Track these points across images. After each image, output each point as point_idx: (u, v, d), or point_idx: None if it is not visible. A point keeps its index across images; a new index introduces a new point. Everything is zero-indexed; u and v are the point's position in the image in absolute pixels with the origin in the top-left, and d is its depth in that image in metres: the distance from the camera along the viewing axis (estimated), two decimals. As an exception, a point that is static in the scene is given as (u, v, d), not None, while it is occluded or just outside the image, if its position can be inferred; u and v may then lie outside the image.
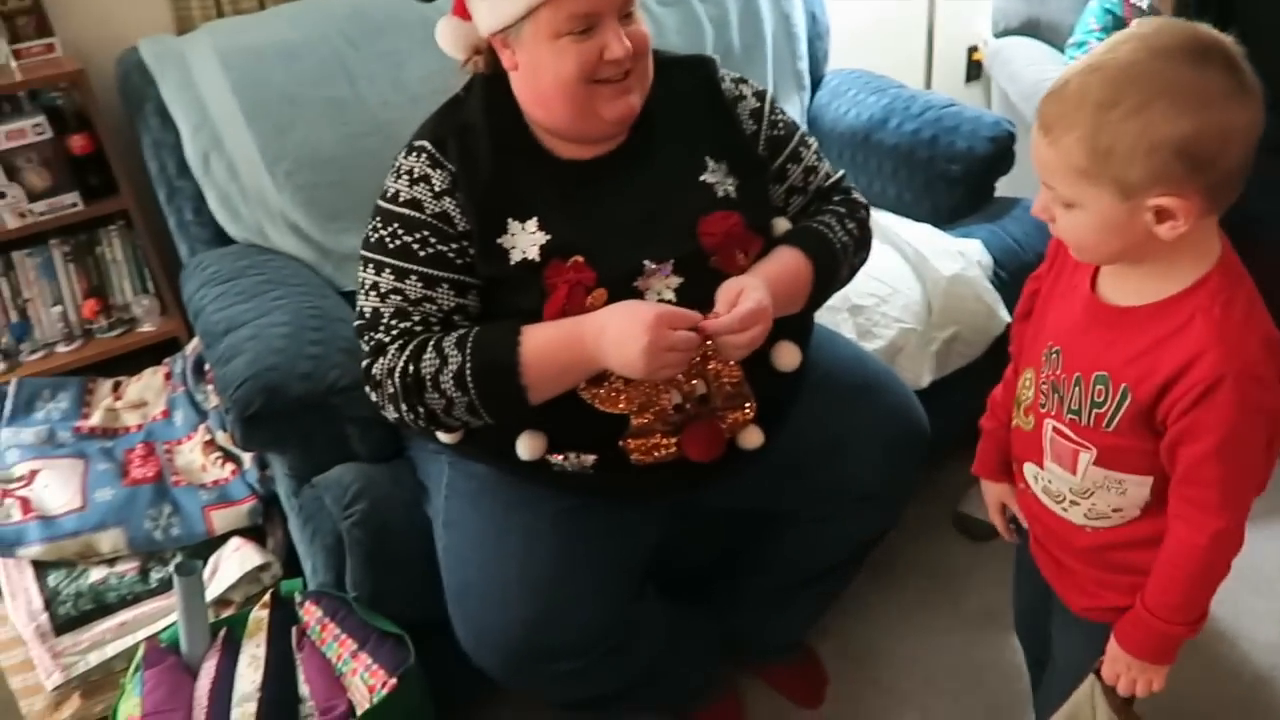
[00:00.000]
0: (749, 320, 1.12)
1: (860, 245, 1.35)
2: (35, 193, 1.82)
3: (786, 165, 1.34)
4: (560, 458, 1.23)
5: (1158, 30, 0.87)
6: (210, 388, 1.88)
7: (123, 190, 1.91)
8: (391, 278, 1.19)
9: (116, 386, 1.96)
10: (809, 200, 1.38)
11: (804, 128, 1.40)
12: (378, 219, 1.22)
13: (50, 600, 1.58)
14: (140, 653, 1.37)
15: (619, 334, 1.09)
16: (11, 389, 1.87)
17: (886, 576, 1.87)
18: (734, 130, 1.29)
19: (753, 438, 1.27)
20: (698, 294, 1.18)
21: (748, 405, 1.26)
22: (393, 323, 1.19)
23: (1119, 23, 2.23)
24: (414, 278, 1.18)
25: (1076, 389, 1.00)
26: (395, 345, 1.18)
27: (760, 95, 1.33)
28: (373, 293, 1.20)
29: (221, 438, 1.82)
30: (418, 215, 1.19)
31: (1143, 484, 1.00)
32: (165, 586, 1.60)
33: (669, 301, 1.18)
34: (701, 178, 1.23)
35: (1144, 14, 2.20)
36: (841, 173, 1.42)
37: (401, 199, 1.20)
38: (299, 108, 1.83)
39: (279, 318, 1.57)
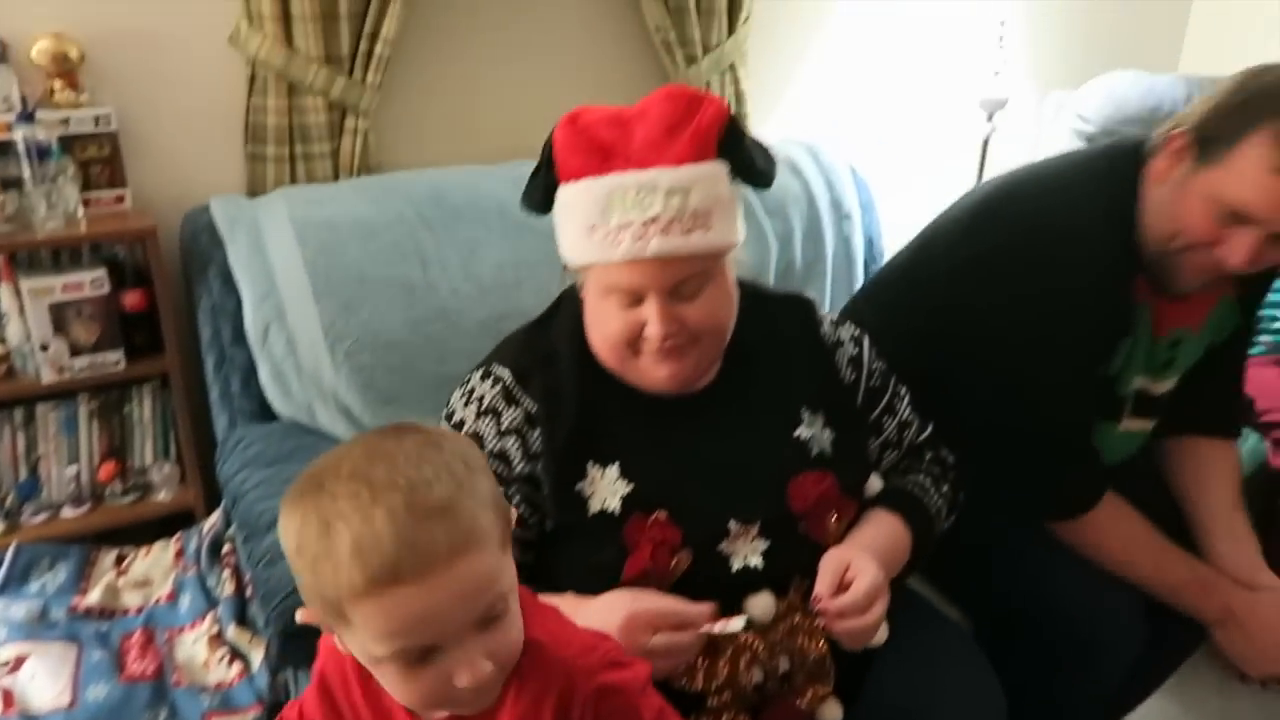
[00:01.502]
0: (871, 598, 1.03)
1: (952, 509, 1.28)
2: (79, 347, 1.71)
3: (883, 419, 1.26)
4: None
5: None
6: (226, 573, 1.72)
7: (168, 351, 1.80)
8: None
9: (120, 560, 1.78)
10: (902, 456, 1.29)
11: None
12: None
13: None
14: None
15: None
16: (9, 556, 1.70)
17: None
18: (833, 380, 1.21)
19: (832, 712, 1.15)
20: (786, 560, 1.09)
21: (829, 679, 1.14)
22: None
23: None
24: None
25: None
26: None
27: (859, 340, 1.25)
28: None
29: (231, 632, 1.65)
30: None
31: None
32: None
33: (754, 569, 1.08)
34: (796, 432, 1.15)
35: None
36: (932, 427, 1.33)
37: (465, 430, 1.12)
38: (368, 287, 1.76)
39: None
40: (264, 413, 1.76)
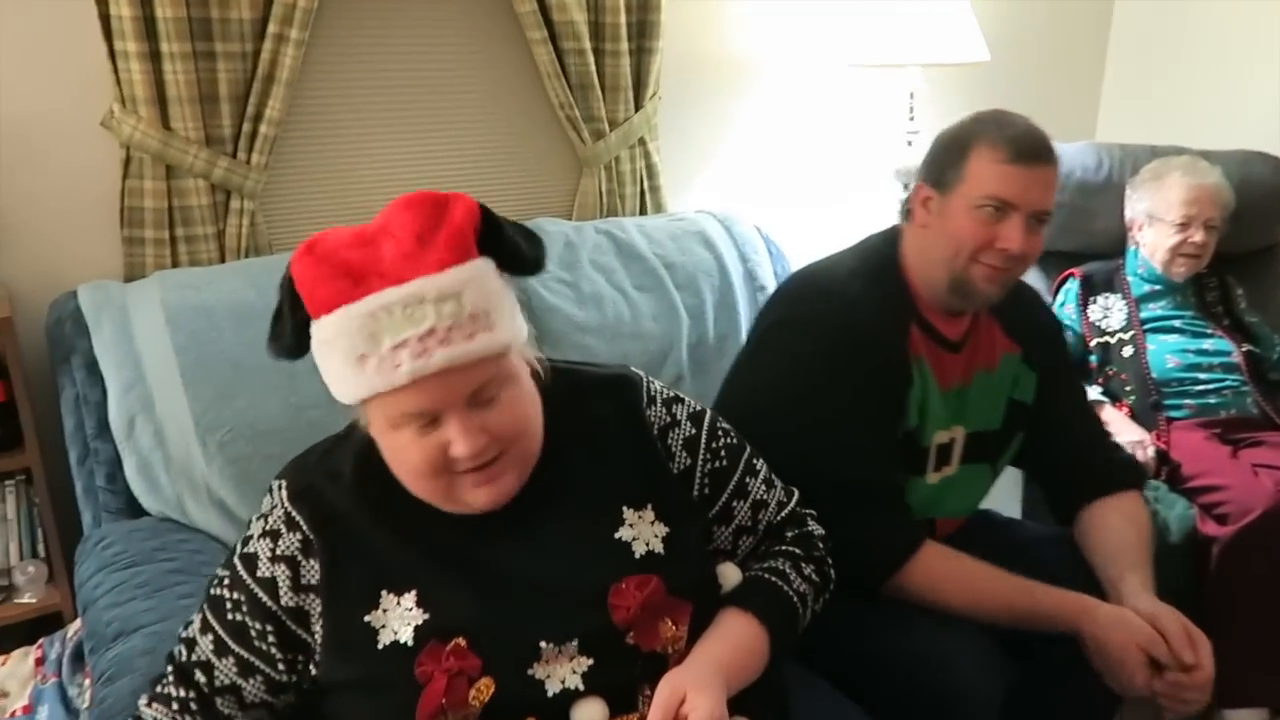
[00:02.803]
0: None
1: (820, 590, 1.19)
2: (-74, 443, 1.61)
3: (732, 503, 1.16)
4: None
5: None
6: (88, 682, 1.61)
7: (28, 446, 1.70)
8: (197, 628, 1.04)
9: (-26, 670, 1.67)
10: (760, 540, 1.20)
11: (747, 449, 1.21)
12: (229, 555, 1.06)
13: None
14: None
15: None
16: None
17: None
18: (661, 467, 1.10)
19: None
20: (615, 676, 0.99)
21: None
22: (166, 680, 1.04)
23: (1079, 339, 2.25)
24: (210, 638, 1.03)
25: None
26: (158, 710, 1.02)
27: (698, 419, 1.15)
28: (185, 629, 1.06)
29: (91, 749, 1.53)
30: (245, 577, 1.02)
31: None
32: None
33: (574, 691, 0.98)
34: (617, 534, 1.04)
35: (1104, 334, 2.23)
36: (795, 499, 1.24)
37: (245, 549, 1.03)
38: (244, 374, 1.68)
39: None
40: (132, 508, 1.66)
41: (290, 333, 0.97)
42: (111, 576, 1.48)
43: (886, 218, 2.73)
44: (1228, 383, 2.16)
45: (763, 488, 1.19)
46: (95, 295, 1.73)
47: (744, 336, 2.31)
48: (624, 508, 1.06)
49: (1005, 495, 1.67)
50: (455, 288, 0.92)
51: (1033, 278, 1.85)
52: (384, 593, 1.00)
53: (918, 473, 1.47)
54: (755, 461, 1.19)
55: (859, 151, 2.80)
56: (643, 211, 2.46)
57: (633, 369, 1.17)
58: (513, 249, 0.99)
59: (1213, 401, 2.14)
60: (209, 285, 1.77)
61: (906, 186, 2.67)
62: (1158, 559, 1.44)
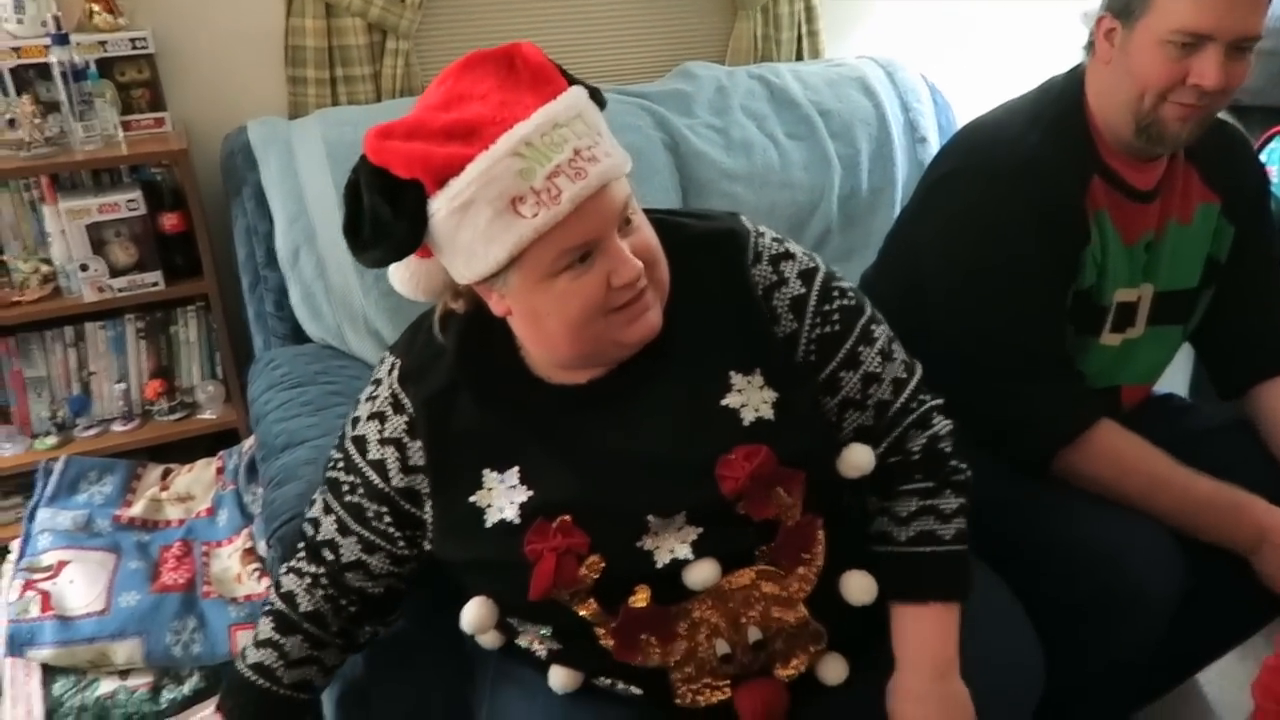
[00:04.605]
0: None
1: (968, 502, 1.09)
2: (118, 268, 1.75)
3: (840, 373, 1.04)
4: (606, 681, 1.05)
5: None
6: (260, 490, 1.76)
7: (206, 274, 1.83)
8: (320, 509, 1.08)
9: (165, 475, 1.85)
10: (877, 422, 1.07)
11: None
12: (339, 433, 1.08)
13: (52, 711, 1.44)
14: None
15: None
16: (59, 467, 1.78)
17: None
18: (767, 330, 1.01)
19: (835, 669, 1.05)
20: (725, 545, 0.97)
21: (819, 639, 1.04)
22: (300, 555, 1.10)
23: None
24: (332, 519, 1.06)
25: None
26: (293, 581, 1.10)
27: (808, 276, 1.03)
28: (310, 508, 1.10)
29: (263, 548, 1.69)
30: (357, 459, 1.03)
31: None
32: (174, 709, 1.46)
33: (684, 560, 0.96)
34: (724, 401, 0.98)
35: None
36: (916, 377, 1.09)
37: (355, 430, 1.04)
38: (399, 211, 1.73)
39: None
40: (298, 335, 1.77)
41: (406, 218, 0.87)
42: (280, 395, 1.59)
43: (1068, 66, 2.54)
44: None
45: (878, 359, 1.06)
46: (263, 131, 1.80)
47: (900, 190, 2.21)
48: (731, 372, 0.99)
49: (1171, 369, 1.55)
50: (575, 108, 0.88)
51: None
52: (487, 471, 0.99)
53: (1093, 333, 1.37)
54: (874, 328, 1.06)
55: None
56: (799, 58, 2.35)
57: (743, 219, 1.06)
58: (579, 82, 0.93)
59: None
60: (368, 122, 1.78)
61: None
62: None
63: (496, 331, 0.99)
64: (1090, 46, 1.33)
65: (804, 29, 2.33)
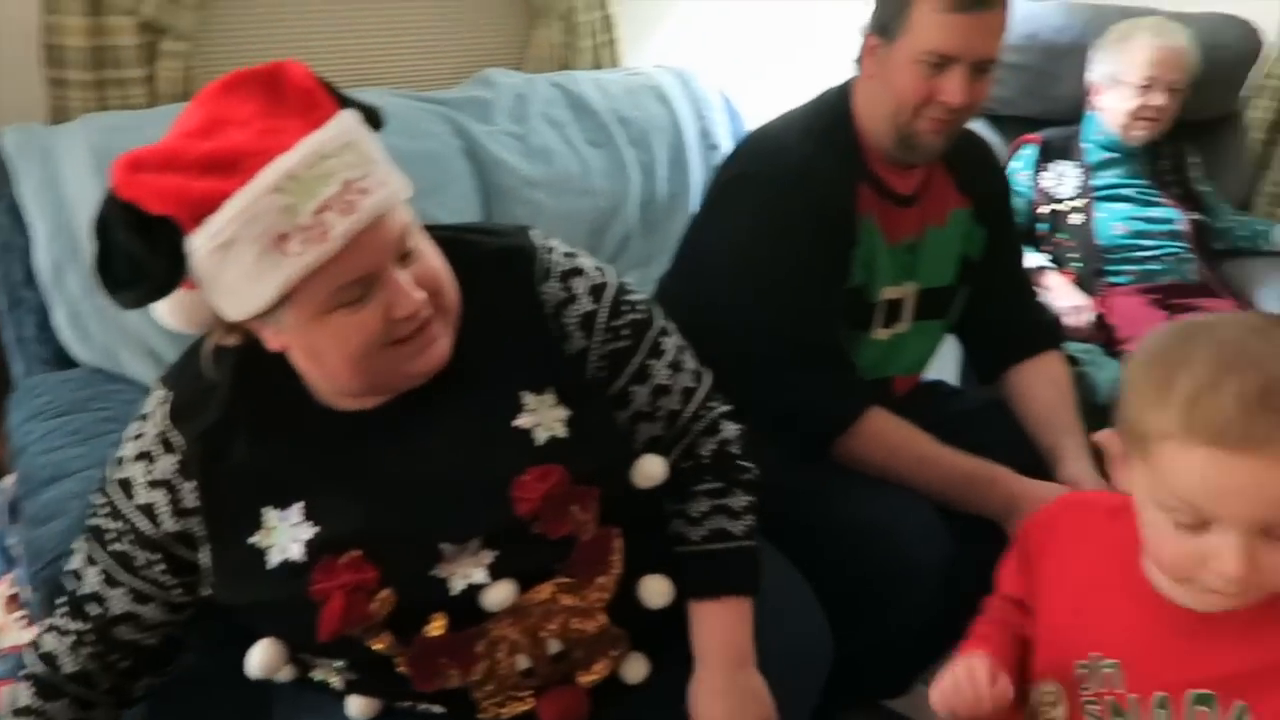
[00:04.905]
0: None
1: (756, 501, 1.14)
2: None
3: (630, 387, 1.05)
4: (407, 703, 1.02)
5: None
6: (24, 530, 1.62)
7: (-45, 294, 1.66)
8: (82, 560, 1.01)
9: (-86, 517, 1.67)
10: (668, 432, 1.09)
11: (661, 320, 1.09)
12: (103, 478, 1.00)
13: None
14: None
15: None
16: None
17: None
18: (556, 348, 1.00)
19: (636, 669, 1.06)
20: (522, 565, 0.95)
21: (619, 643, 1.05)
22: (61, 611, 1.02)
23: (1028, 206, 2.24)
24: (96, 570, 0.99)
25: (1162, 711, 0.84)
26: (53, 640, 1.02)
27: (597, 292, 1.03)
28: (71, 559, 1.03)
29: (29, 593, 1.56)
30: (123, 504, 0.97)
31: None
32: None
33: (479, 585, 0.94)
34: (516, 422, 0.96)
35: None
36: (704, 385, 1.12)
37: (120, 472, 0.98)
38: (177, 222, 1.64)
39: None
40: (64, 360, 1.64)
41: (164, 255, 0.81)
42: (43, 424, 1.47)
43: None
44: (1170, 249, 2.17)
45: (667, 371, 1.08)
46: (19, 137, 1.66)
47: (695, 196, 2.29)
48: (523, 392, 0.98)
49: (941, 359, 1.68)
50: (345, 136, 0.84)
51: (990, 140, 1.82)
52: (268, 509, 0.94)
53: (864, 329, 1.48)
54: (662, 340, 1.08)
55: (828, 6, 2.70)
56: (598, 66, 2.38)
57: (531, 235, 1.04)
58: (354, 102, 0.90)
59: (1155, 268, 2.15)
60: (140, 129, 1.70)
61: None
62: (1083, 419, 1.47)
63: (275, 360, 0.94)
64: (859, 64, 1.42)
65: (601, 37, 2.36)
